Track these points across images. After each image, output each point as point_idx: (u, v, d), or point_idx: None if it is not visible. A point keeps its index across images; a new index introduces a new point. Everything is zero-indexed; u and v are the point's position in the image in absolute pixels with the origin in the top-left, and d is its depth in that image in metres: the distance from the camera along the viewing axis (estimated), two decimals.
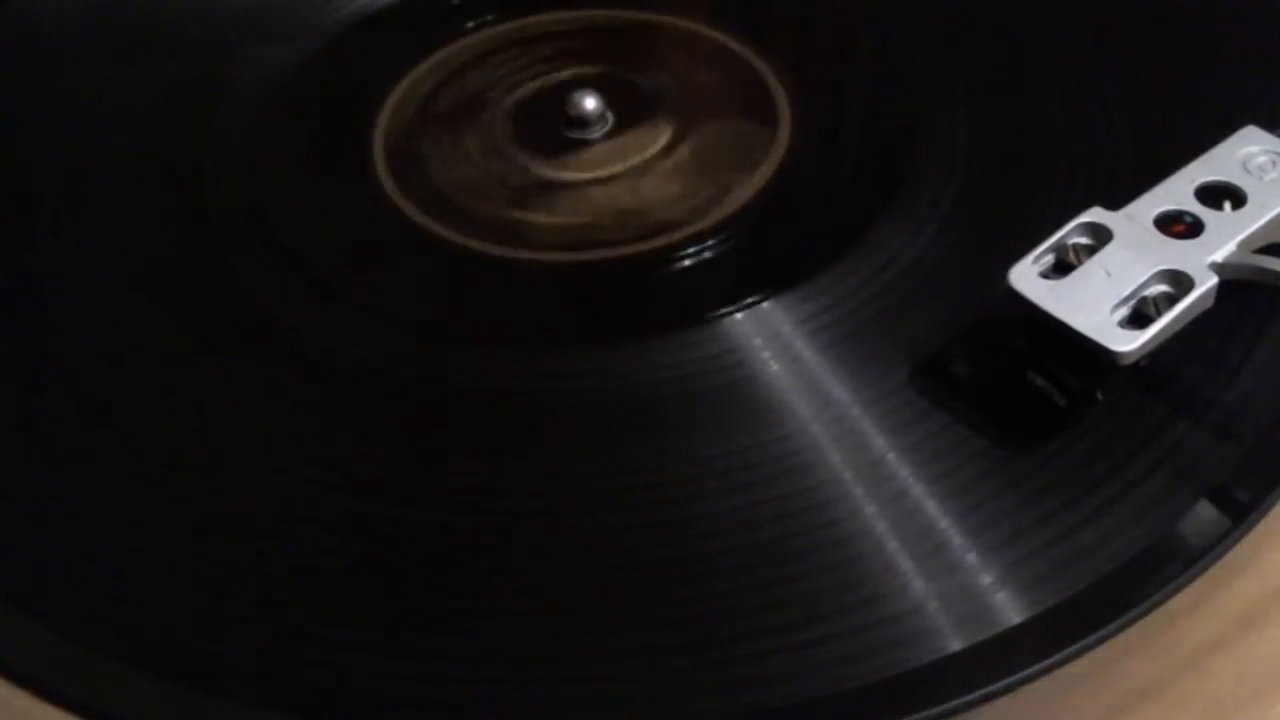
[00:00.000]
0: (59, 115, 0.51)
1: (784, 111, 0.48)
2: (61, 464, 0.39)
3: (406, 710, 0.34)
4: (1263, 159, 0.39)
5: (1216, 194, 0.39)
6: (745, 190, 0.46)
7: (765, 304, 0.41)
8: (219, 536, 0.37)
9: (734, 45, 0.51)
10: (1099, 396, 0.37)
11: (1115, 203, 0.38)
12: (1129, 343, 0.35)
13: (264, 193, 0.47)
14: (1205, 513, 0.35)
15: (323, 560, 0.36)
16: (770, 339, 0.40)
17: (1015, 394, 0.37)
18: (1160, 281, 0.36)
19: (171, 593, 0.36)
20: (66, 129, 0.50)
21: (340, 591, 0.36)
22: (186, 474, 0.39)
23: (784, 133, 0.48)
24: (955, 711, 0.32)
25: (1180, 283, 0.36)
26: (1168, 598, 0.34)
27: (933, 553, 0.35)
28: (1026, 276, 0.37)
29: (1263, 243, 0.38)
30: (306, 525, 0.37)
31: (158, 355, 0.42)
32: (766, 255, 0.44)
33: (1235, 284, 0.37)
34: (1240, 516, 0.35)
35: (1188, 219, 0.38)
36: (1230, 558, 0.35)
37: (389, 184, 0.47)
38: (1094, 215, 0.38)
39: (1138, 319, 0.36)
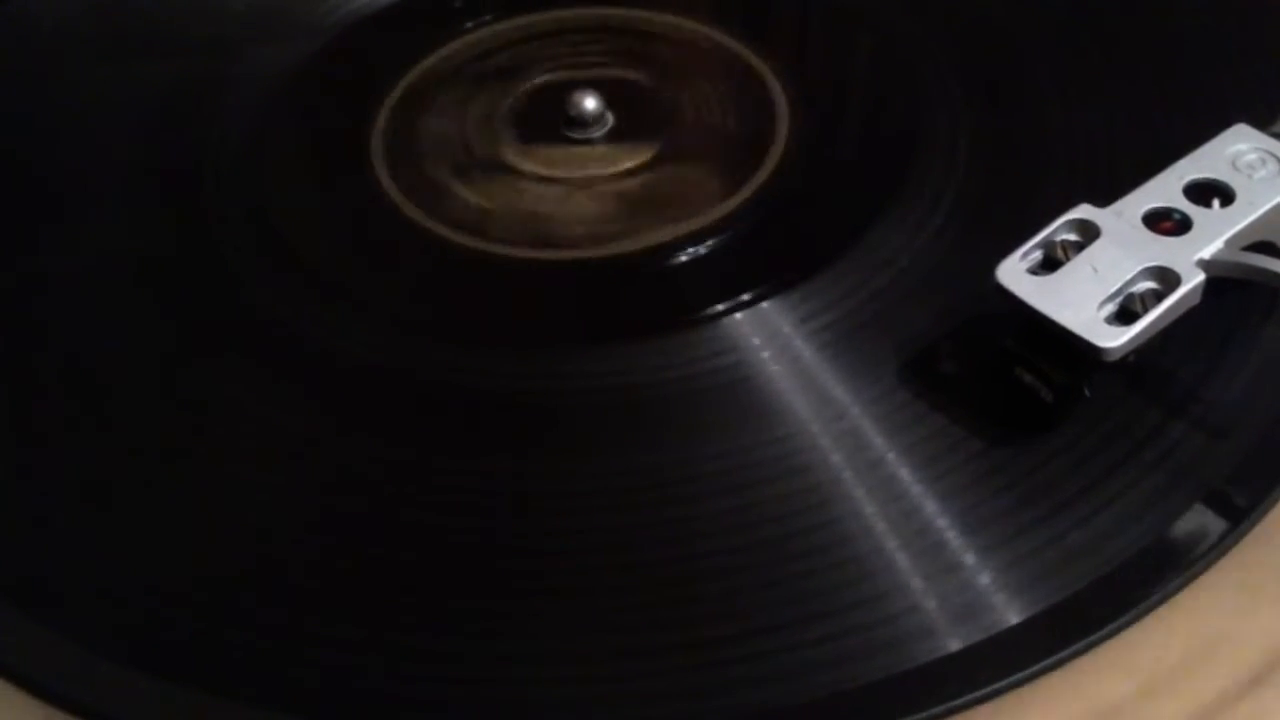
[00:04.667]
0: (59, 115, 0.51)
1: (783, 111, 0.48)
2: (61, 464, 0.39)
3: (406, 710, 0.34)
4: (1252, 157, 0.39)
5: (1205, 191, 0.39)
6: (744, 190, 0.46)
7: (764, 304, 0.41)
8: (219, 536, 0.37)
9: (733, 45, 0.51)
10: (1086, 393, 0.37)
11: (1114, 202, 0.38)
12: (1115, 339, 0.35)
13: (264, 193, 0.47)
14: (1202, 514, 0.35)
15: (323, 560, 0.37)
16: (769, 339, 0.40)
17: (1006, 391, 0.37)
18: (1147, 278, 0.36)
19: (171, 593, 0.36)
20: (66, 129, 0.50)
21: (340, 591, 0.36)
22: (186, 474, 0.39)
23: (783, 132, 0.48)
24: (953, 712, 0.32)
25: (1167, 280, 0.36)
26: (1165, 599, 0.34)
27: (931, 552, 0.35)
28: (1014, 273, 0.37)
29: (1251, 240, 0.38)
30: (306, 525, 0.37)
31: (157, 355, 0.42)
32: (766, 255, 0.44)
33: (1234, 285, 0.37)
34: (1238, 518, 0.35)
35: (1176, 216, 0.38)
36: (1228, 559, 0.35)
37: (389, 183, 0.47)
38: (1082, 212, 0.38)
39: (1125, 315, 0.36)
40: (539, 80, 0.51)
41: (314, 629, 0.35)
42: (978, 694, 0.32)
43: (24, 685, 0.35)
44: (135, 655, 0.35)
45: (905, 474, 0.37)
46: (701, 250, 0.44)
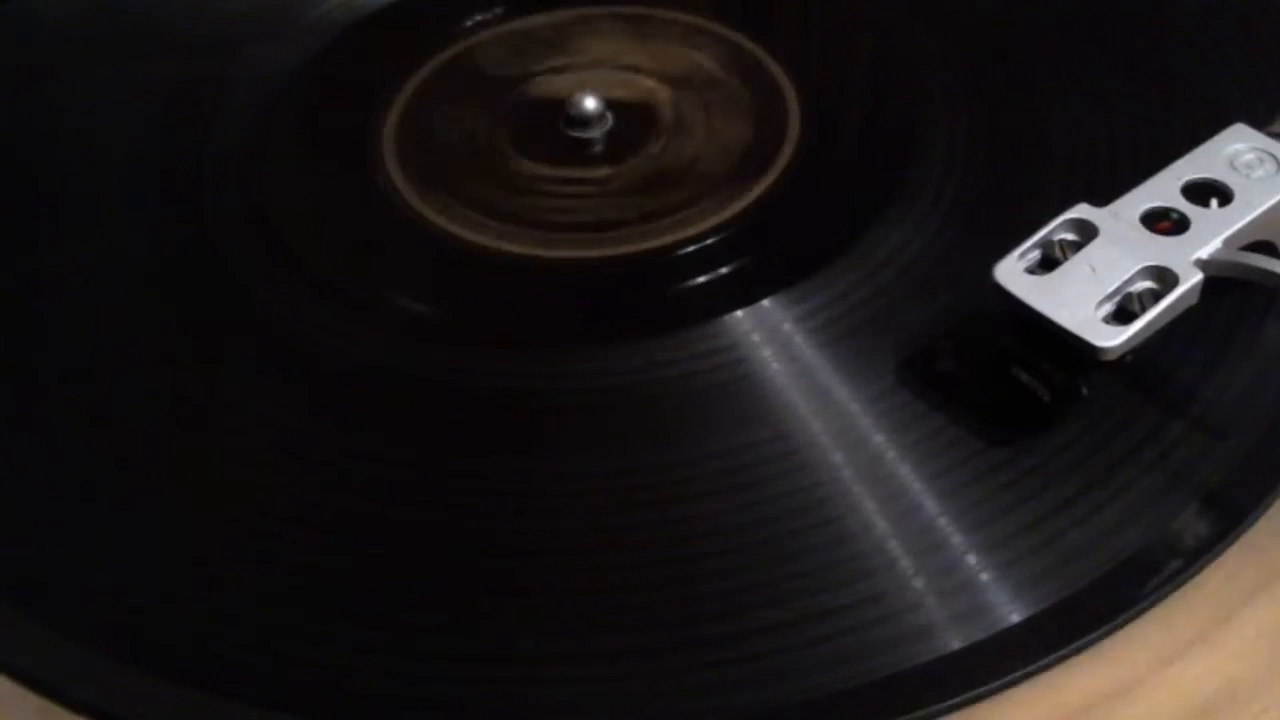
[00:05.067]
0: (59, 115, 0.51)
1: (791, 110, 0.48)
2: (62, 464, 0.39)
3: (406, 710, 0.34)
4: (1250, 156, 0.39)
5: (1203, 191, 0.39)
6: (746, 188, 0.46)
7: (765, 301, 0.41)
8: (219, 536, 0.37)
9: (747, 43, 0.51)
10: (1084, 392, 0.37)
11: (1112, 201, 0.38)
12: (1112, 338, 0.35)
13: (264, 193, 0.47)
14: (1201, 513, 0.35)
15: (323, 560, 0.37)
16: (770, 336, 0.40)
17: (1004, 390, 0.37)
18: (1145, 278, 0.36)
19: (171, 593, 0.36)
20: (66, 129, 0.50)
21: (340, 591, 0.36)
22: (186, 474, 0.39)
23: (787, 132, 0.48)
24: (953, 710, 0.32)
25: (1165, 279, 0.36)
26: (1164, 598, 0.34)
27: (931, 551, 0.35)
28: (1012, 272, 0.37)
29: (1249, 240, 0.38)
30: (306, 525, 0.37)
31: (157, 355, 0.42)
32: (766, 253, 0.44)
33: (1233, 284, 0.37)
34: (1237, 517, 0.35)
35: (1174, 216, 0.38)
36: (1227, 558, 0.35)
37: (388, 183, 0.47)
38: (1080, 212, 0.38)
39: (1122, 315, 0.36)
40: (541, 79, 0.51)
41: (314, 629, 0.35)
42: (978, 693, 0.32)
43: (24, 684, 0.35)
44: (135, 655, 0.35)
45: (905, 473, 0.37)
46: (702, 249, 0.44)
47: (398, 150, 0.48)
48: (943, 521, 0.36)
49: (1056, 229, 0.38)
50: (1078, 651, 0.33)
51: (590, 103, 0.48)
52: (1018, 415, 0.37)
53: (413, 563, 0.36)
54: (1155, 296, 0.36)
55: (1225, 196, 0.38)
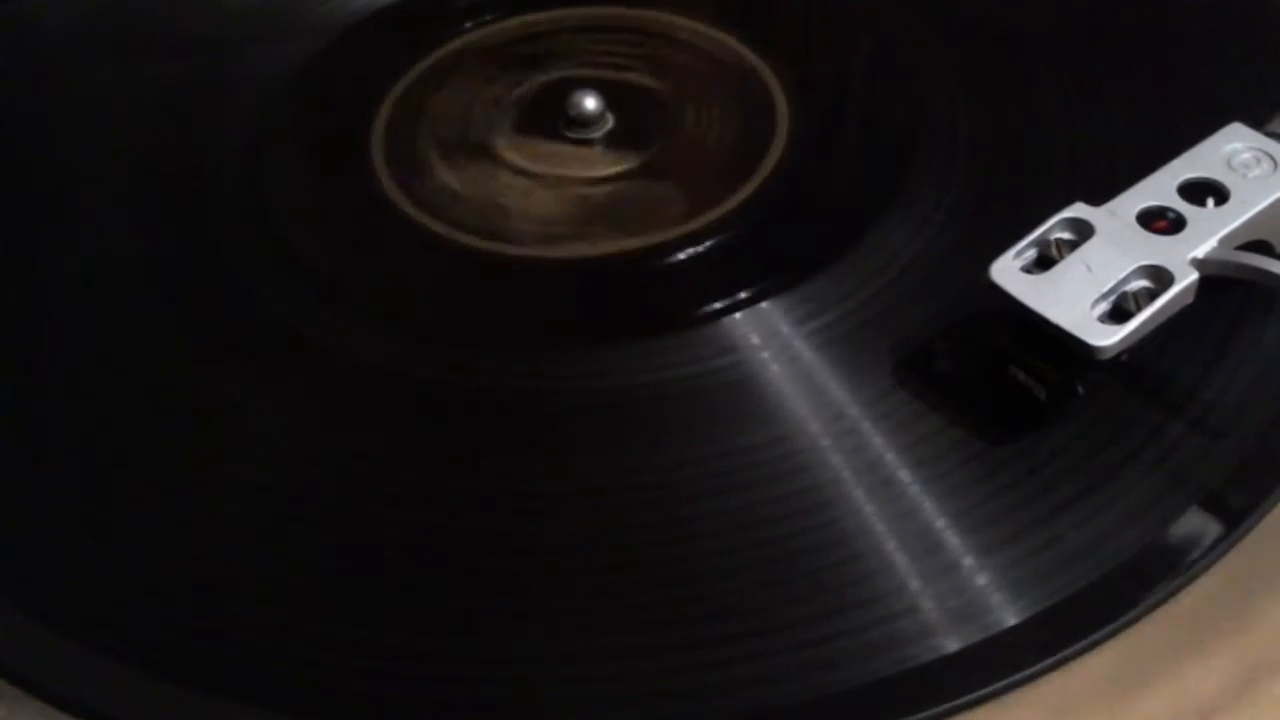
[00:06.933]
0: (59, 115, 0.51)
1: (783, 110, 0.48)
2: (61, 464, 0.39)
3: (406, 710, 0.34)
4: (1247, 156, 0.39)
5: (1200, 190, 0.38)
6: (744, 189, 0.46)
7: (764, 303, 0.41)
8: (219, 536, 0.37)
9: (734, 44, 0.51)
10: (1079, 391, 0.37)
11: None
12: (1108, 337, 0.35)
13: (264, 193, 0.47)
14: (1201, 516, 0.35)
15: (323, 560, 0.37)
16: (769, 338, 0.40)
17: (1000, 389, 0.37)
18: (1141, 277, 0.37)
19: (171, 593, 0.36)
20: (66, 129, 0.50)
21: (340, 591, 0.36)
22: (186, 474, 0.39)
23: (783, 132, 0.48)
24: (952, 712, 0.32)
25: (1161, 278, 0.36)
26: (1163, 600, 0.34)
27: (930, 553, 0.35)
28: (1008, 271, 0.37)
29: (1245, 239, 0.38)
30: (306, 525, 0.38)
31: (157, 355, 0.42)
32: (765, 255, 0.44)
33: (1233, 284, 0.37)
34: (1236, 519, 0.35)
35: (1170, 215, 0.38)
36: (1226, 560, 0.35)
37: (388, 183, 0.47)
38: (1076, 210, 0.38)
39: (1118, 314, 0.36)
40: (539, 81, 0.51)
41: (314, 629, 0.35)
42: (976, 694, 0.32)
43: (24, 685, 0.35)
44: (135, 655, 0.35)
45: (904, 474, 0.37)
46: (701, 250, 0.44)
47: (397, 150, 0.48)
48: (941, 523, 0.36)
49: (1052, 228, 0.38)
50: (1077, 654, 0.33)
51: (590, 103, 0.48)
52: (1014, 414, 0.37)
53: (413, 563, 0.36)
54: (1151, 295, 0.36)
55: (1222, 196, 0.38)
